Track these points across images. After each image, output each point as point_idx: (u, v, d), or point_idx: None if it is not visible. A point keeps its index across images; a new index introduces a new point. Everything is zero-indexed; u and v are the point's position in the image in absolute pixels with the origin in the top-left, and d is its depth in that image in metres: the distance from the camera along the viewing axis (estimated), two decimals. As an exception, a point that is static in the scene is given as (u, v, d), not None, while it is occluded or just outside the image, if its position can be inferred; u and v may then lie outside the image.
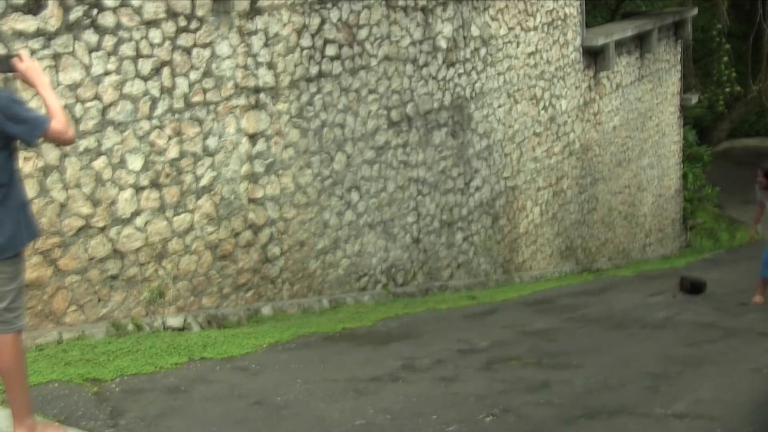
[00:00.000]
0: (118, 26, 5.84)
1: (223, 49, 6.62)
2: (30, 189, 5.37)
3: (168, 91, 6.21)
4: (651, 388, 4.86)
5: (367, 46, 8.14)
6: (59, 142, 3.61)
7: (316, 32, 7.50)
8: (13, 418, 3.60)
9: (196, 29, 6.40)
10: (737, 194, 20.80)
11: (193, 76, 6.40)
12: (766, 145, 23.79)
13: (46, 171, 5.46)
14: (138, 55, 5.99)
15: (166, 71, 6.19)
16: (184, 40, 6.31)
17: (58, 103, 3.52)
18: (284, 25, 7.18)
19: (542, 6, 11.37)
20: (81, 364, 4.88)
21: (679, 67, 16.50)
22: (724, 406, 4.51)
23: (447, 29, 9.31)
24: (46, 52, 5.41)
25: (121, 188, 5.94)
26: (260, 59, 6.97)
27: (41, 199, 5.44)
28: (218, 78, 6.59)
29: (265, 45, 7.00)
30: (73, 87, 5.59)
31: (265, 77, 7.02)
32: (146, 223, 6.12)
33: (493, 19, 10.20)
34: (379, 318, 6.93)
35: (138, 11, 5.96)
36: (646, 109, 15.12)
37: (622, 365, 5.44)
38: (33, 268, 5.41)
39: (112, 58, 5.82)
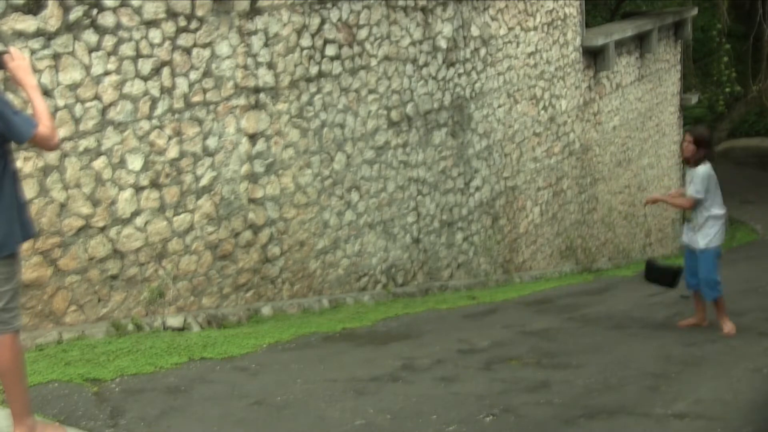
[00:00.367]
0: (118, 26, 5.84)
1: (223, 49, 6.62)
2: (30, 189, 5.37)
3: (168, 91, 6.21)
4: (651, 388, 4.86)
5: (367, 46, 8.14)
6: (44, 147, 3.54)
7: (316, 32, 7.50)
8: (12, 418, 3.61)
9: (196, 29, 6.40)
10: (737, 194, 20.80)
11: (193, 76, 6.40)
12: (766, 145, 23.79)
13: (46, 171, 5.46)
14: (138, 55, 5.99)
15: (166, 71, 6.19)
16: (184, 40, 6.31)
17: (46, 106, 3.48)
18: (284, 25, 7.18)
19: (542, 6, 11.37)
20: (81, 364, 4.88)
21: (679, 67, 16.50)
22: (724, 406, 4.51)
23: (447, 29, 9.31)
24: (46, 52, 5.41)
25: (121, 188, 5.94)
26: (260, 59, 6.97)
27: (41, 199, 5.44)
28: (218, 78, 6.59)
29: (265, 45, 7.00)
30: (73, 87, 5.59)
31: (265, 77, 7.02)
32: (146, 223, 6.12)
33: (493, 19, 10.20)
34: (379, 318, 6.93)
35: (138, 11, 5.96)
36: (646, 109, 15.12)
37: (622, 365, 5.44)
38: (33, 268, 5.41)
39: (112, 58, 5.82)
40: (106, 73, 5.79)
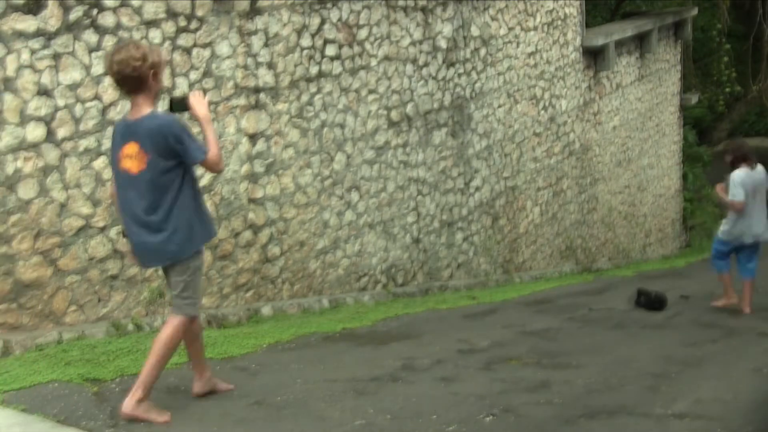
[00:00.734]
0: (118, 26, 5.84)
1: (223, 49, 6.62)
2: (30, 189, 5.38)
3: (168, 91, 6.21)
4: (651, 388, 4.86)
5: (367, 46, 8.14)
6: (210, 170, 4.22)
7: (316, 32, 7.51)
8: (141, 379, 4.04)
9: (196, 29, 6.40)
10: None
11: (193, 76, 6.40)
12: (766, 145, 23.76)
13: (46, 171, 5.46)
14: (138, 55, 5.98)
15: (166, 71, 6.18)
16: (184, 40, 6.31)
17: (216, 137, 4.09)
18: (284, 25, 7.18)
19: (542, 6, 11.37)
20: (81, 364, 4.88)
21: (679, 67, 16.50)
22: (724, 406, 4.51)
23: (447, 29, 9.31)
24: (46, 52, 5.41)
25: (121, 188, 5.93)
26: (260, 59, 6.97)
27: (41, 199, 5.44)
28: (218, 78, 6.59)
29: (265, 45, 7.00)
30: (73, 87, 5.59)
31: (265, 77, 7.02)
32: (146, 223, 6.11)
33: (493, 19, 10.20)
34: (379, 318, 6.93)
35: (138, 11, 5.96)
36: (646, 109, 15.12)
37: (622, 365, 5.44)
38: (33, 268, 5.41)
39: (112, 58, 5.81)
40: (106, 73, 5.78)
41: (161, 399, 4.40)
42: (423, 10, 8.90)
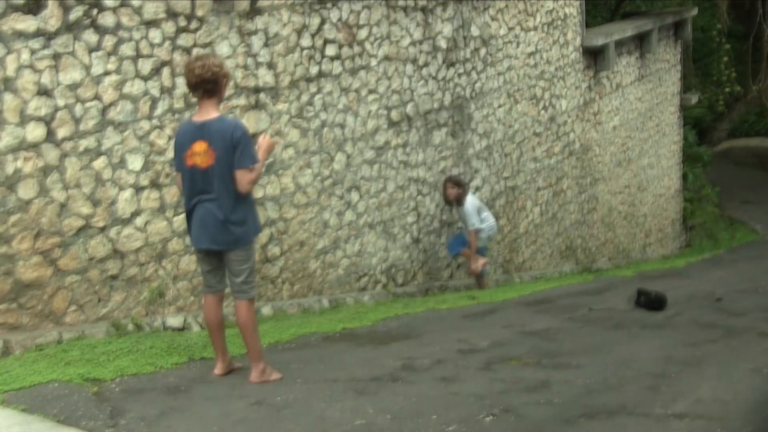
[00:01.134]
0: (118, 26, 5.84)
1: (223, 49, 6.62)
2: (30, 189, 5.38)
3: (168, 91, 6.21)
4: (651, 388, 4.86)
5: (367, 46, 8.14)
6: (240, 182, 4.54)
7: (316, 32, 7.51)
8: (251, 363, 4.82)
9: (196, 29, 6.40)
10: (737, 194, 20.80)
11: (193, 76, 6.39)
12: (766, 145, 23.78)
13: (46, 171, 5.46)
14: (138, 55, 5.99)
15: (166, 71, 6.19)
16: (184, 40, 6.31)
17: (262, 164, 4.64)
18: (284, 25, 7.18)
19: (542, 6, 11.37)
20: (81, 364, 4.88)
21: (679, 67, 16.50)
22: (724, 406, 4.51)
23: (447, 29, 9.31)
24: (46, 52, 5.41)
25: (121, 188, 5.94)
26: (260, 59, 6.97)
27: (41, 199, 5.44)
28: (218, 78, 6.59)
29: (265, 45, 7.00)
30: (73, 87, 5.59)
31: (265, 77, 7.03)
32: (146, 223, 6.12)
33: (493, 19, 10.20)
34: (379, 318, 6.93)
35: (138, 11, 5.96)
36: (646, 109, 15.12)
37: (622, 365, 5.44)
38: (33, 268, 5.41)
39: (112, 58, 5.82)
40: (106, 73, 5.79)
41: (161, 399, 4.41)
42: (423, 10, 8.90)
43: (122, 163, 5.93)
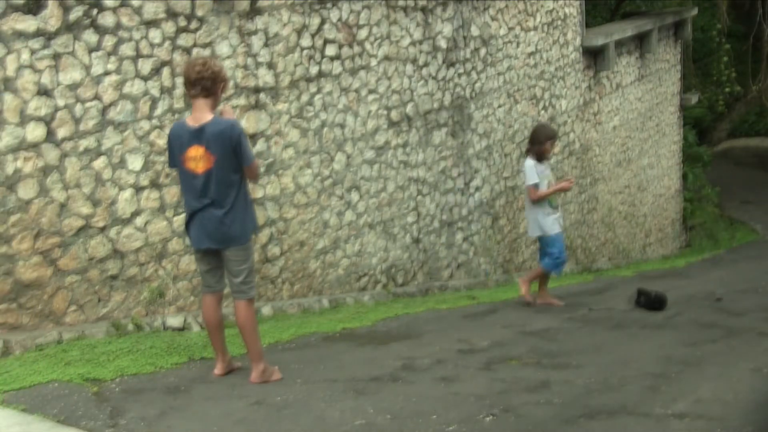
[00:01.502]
0: (118, 26, 5.84)
1: (223, 49, 6.62)
2: (30, 189, 5.38)
3: (168, 91, 6.21)
4: (651, 388, 4.86)
5: (367, 46, 8.14)
6: (252, 177, 4.74)
7: (316, 32, 7.51)
8: (251, 363, 4.81)
9: (196, 29, 6.40)
10: (737, 194, 20.80)
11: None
12: (766, 145, 23.79)
13: (46, 171, 5.46)
14: (138, 55, 5.99)
15: (166, 71, 6.19)
16: (184, 40, 6.31)
17: (256, 164, 4.74)
18: (284, 25, 7.18)
19: (542, 6, 11.37)
20: (81, 364, 4.88)
21: (679, 67, 16.50)
22: (724, 406, 4.51)
23: (447, 29, 9.31)
24: (46, 52, 5.41)
25: (121, 188, 5.94)
26: (260, 59, 6.97)
27: (41, 199, 5.44)
28: (218, 78, 6.59)
29: (265, 45, 7.00)
30: (73, 87, 5.59)
31: (265, 77, 7.03)
32: (146, 223, 6.12)
33: (493, 19, 10.20)
34: (379, 318, 6.93)
35: (138, 11, 5.96)
36: (646, 109, 15.12)
37: (622, 365, 5.44)
38: (33, 268, 5.41)
39: (112, 58, 5.82)
40: (106, 73, 5.79)
41: (161, 399, 4.41)
42: (423, 10, 8.90)
43: (122, 163, 5.93)
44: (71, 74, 5.58)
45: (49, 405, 4.20)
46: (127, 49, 5.91)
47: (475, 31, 9.84)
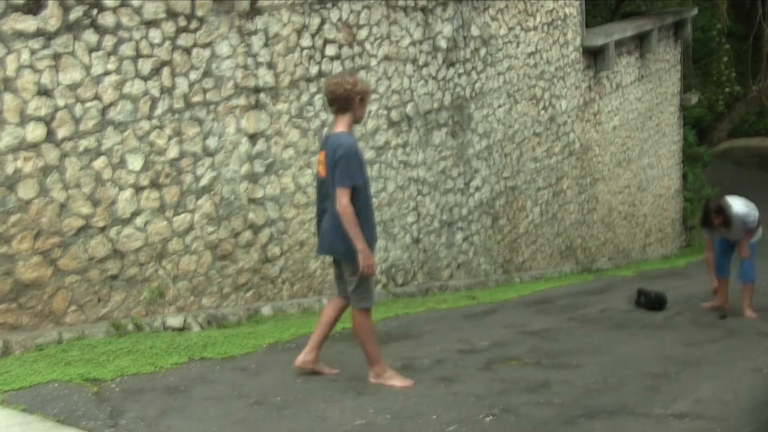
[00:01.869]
0: (118, 26, 5.84)
1: (223, 49, 6.62)
2: (30, 189, 5.38)
3: (168, 91, 6.21)
4: (651, 388, 4.86)
5: (367, 46, 8.14)
6: (339, 202, 4.54)
7: (316, 32, 7.51)
8: (368, 364, 4.86)
9: (196, 29, 6.40)
10: (737, 194, 20.77)
11: (193, 76, 6.40)
12: (766, 145, 23.79)
13: (46, 171, 5.46)
14: (138, 55, 5.99)
15: (166, 71, 6.19)
16: (184, 40, 6.31)
17: (345, 192, 4.56)
18: (284, 25, 7.18)
19: (542, 6, 11.37)
20: (81, 364, 4.88)
21: (679, 67, 16.50)
22: (724, 406, 4.51)
23: (447, 29, 9.31)
24: (46, 52, 5.41)
25: (121, 188, 5.94)
26: (260, 59, 6.97)
27: (41, 199, 5.44)
28: (218, 78, 6.60)
29: (265, 45, 7.00)
30: (73, 87, 5.59)
31: (265, 77, 7.03)
32: (146, 223, 6.12)
33: (493, 19, 10.20)
34: (379, 318, 6.93)
35: (138, 11, 5.96)
36: (646, 109, 15.12)
37: (622, 365, 5.44)
38: (33, 268, 5.41)
39: (112, 58, 5.82)
40: (106, 73, 5.79)
41: (161, 399, 4.41)
42: (423, 10, 8.90)
43: (122, 163, 5.93)
44: (71, 74, 5.58)
45: (49, 405, 4.20)
46: (127, 49, 5.91)
47: (475, 31, 9.84)
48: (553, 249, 12.11)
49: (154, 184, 6.16)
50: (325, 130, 7.67)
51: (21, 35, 5.28)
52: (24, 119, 5.33)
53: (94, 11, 5.69)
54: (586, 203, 13.17)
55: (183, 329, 6.07)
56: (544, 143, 11.63)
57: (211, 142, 6.57)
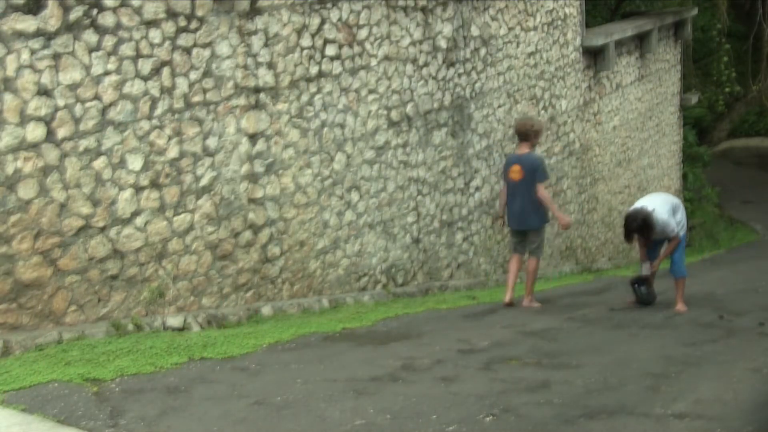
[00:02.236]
0: (118, 26, 5.84)
1: (223, 49, 6.62)
2: (30, 189, 5.38)
3: (168, 91, 6.21)
4: (651, 388, 4.86)
5: (367, 46, 8.14)
6: (539, 190, 7.72)
7: (316, 32, 7.51)
8: (524, 294, 7.95)
9: (196, 29, 6.40)
10: (737, 194, 20.81)
11: (193, 76, 6.40)
12: (766, 145, 23.80)
13: (46, 171, 5.46)
14: (138, 55, 5.99)
15: (166, 71, 6.19)
16: (184, 40, 6.32)
17: (544, 185, 7.87)
18: (284, 25, 7.19)
19: (542, 6, 11.37)
20: (81, 364, 4.88)
21: (679, 67, 16.50)
22: (724, 406, 4.51)
23: (447, 29, 9.31)
24: (46, 52, 5.41)
25: (121, 188, 5.94)
26: (260, 59, 6.97)
27: (41, 199, 5.44)
28: (218, 78, 6.60)
29: (265, 45, 7.01)
30: (73, 87, 5.59)
31: (265, 77, 7.03)
32: (146, 223, 6.12)
33: (493, 19, 10.21)
34: (379, 318, 6.93)
35: (138, 11, 5.97)
36: (646, 109, 15.12)
37: (622, 365, 5.44)
38: (33, 268, 5.41)
39: (112, 58, 5.82)
40: (106, 73, 5.79)
41: (161, 399, 4.41)
42: (423, 10, 8.90)
43: (122, 163, 5.93)
44: (71, 74, 5.58)
45: (49, 405, 4.20)
46: (127, 49, 5.91)
47: (475, 31, 9.85)
48: (553, 249, 12.11)
49: (154, 184, 6.16)
50: (325, 130, 7.69)
51: (21, 35, 5.28)
52: (24, 119, 5.33)
53: (94, 11, 5.69)
54: (586, 203, 13.17)
55: (183, 329, 6.07)
56: (544, 143, 11.63)
57: (211, 142, 6.57)
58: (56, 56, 5.48)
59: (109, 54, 5.80)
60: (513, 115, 10.79)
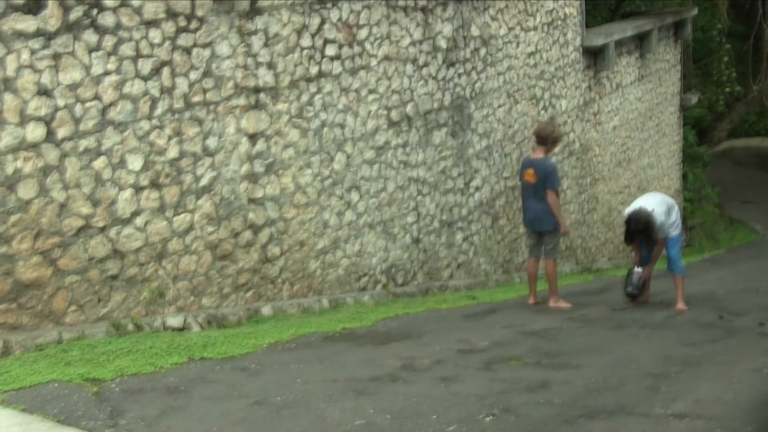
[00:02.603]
0: (118, 26, 5.84)
1: (223, 49, 6.62)
2: (30, 189, 5.38)
3: (168, 91, 6.21)
4: (651, 388, 4.86)
5: (367, 46, 8.14)
6: (549, 197, 7.83)
7: (316, 32, 7.51)
8: (549, 296, 8.04)
9: (196, 29, 6.40)
10: (737, 194, 20.81)
11: (193, 76, 6.40)
12: (766, 145, 23.80)
13: (46, 171, 5.46)
14: (138, 55, 5.99)
15: (166, 71, 6.19)
16: (184, 40, 6.32)
17: (556, 193, 8.00)
18: (284, 25, 7.19)
19: (542, 6, 11.37)
20: (81, 364, 4.88)
21: (679, 67, 16.50)
22: (724, 406, 4.51)
23: (447, 29, 9.31)
24: (46, 52, 5.41)
25: (121, 188, 5.94)
26: (260, 59, 6.97)
27: (41, 199, 5.44)
28: (218, 78, 6.60)
29: (265, 45, 7.01)
30: (73, 87, 5.59)
31: (265, 77, 7.03)
32: (146, 223, 6.12)
33: (493, 19, 10.20)
34: (379, 318, 6.93)
35: (138, 11, 5.97)
36: (646, 109, 15.12)
37: (622, 365, 5.44)
38: (33, 268, 5.41)
39: (112, 58, 5.82)
40: (106, 73, 5.79)
41: (161, 399, 4.41)
42: (423, 10, 8.90)
43: (122, 163, 5.93)
44: (71, 74, 5.58)
45: (49, 405, 4.20)
46: (127, 49, 5.91)
47: (475, 31, 9.84)
48: (553, 249, 12.09)
49: (154, 184, 6.16)
50: (325, 130, 7.69)
51: (21, 35, 5.28)
52: (24, 119, 5.33)
53: (94, 11, 5.69)
54: (586, 203, 13.17)
55: (183, 329, 6.07)
56: (544, 143, 11.61)
57: (211, 142, 6.57)
58: (56, 56, 5.48)
59: (109, 54, 5.80)
60: (513, 115, 10.80)
